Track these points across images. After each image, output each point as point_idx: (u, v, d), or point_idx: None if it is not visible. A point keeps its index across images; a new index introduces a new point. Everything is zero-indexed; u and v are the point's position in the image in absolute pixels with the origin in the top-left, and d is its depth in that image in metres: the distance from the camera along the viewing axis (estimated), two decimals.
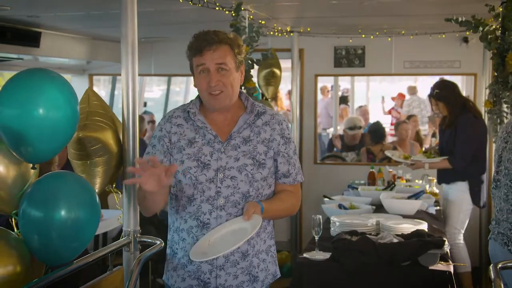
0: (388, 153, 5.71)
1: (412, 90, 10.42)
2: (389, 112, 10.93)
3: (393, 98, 10.94)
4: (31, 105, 2.24)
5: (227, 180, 2.35)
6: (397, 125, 7.12)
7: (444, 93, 5.05)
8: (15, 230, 2.42)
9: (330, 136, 9.32)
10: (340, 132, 8.76)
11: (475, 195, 4.98)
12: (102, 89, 9.44)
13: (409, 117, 8.07)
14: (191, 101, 2.49)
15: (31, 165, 2.41)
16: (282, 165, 2.45)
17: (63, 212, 2.35)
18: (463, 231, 5.05)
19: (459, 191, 4.98)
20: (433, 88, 5.18)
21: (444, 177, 5.10)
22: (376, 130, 7.04)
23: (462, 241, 5.01)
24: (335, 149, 7.59)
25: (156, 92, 10.23)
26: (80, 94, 7.91)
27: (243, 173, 2.36)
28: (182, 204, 2.40)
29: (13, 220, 2.43)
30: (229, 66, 2.36)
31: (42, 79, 2.31)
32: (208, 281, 2.39)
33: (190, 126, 2.41)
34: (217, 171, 2.35)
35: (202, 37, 2.36)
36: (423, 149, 6.23)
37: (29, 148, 2.28)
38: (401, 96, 10.66)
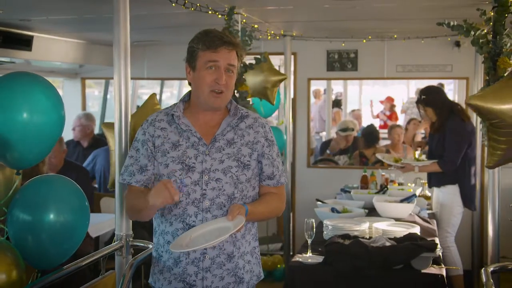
0: (379, 155, 5.73)
1: None
2: (377, 116, 10.96)
3: (381, 102, 10.96)
4: (15, 110, 2.21)
5: (212, 182, 2.36)
6: (390, 128, 7.15)
7: (430, 98, 5.09)
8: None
9: (324, 139, 9.33)
10: (333, 135, 8.78)
11: (466, 198, 5.00)
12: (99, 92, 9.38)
13: (410, 120, 8.08)
14: (174, 104, 2.50)
15: (15, 171, 2.39)
16: (266, 167, 2.48)
17: (52, 215, 2.34)
18: (454, 234, 5.06)
19: (450, 194, 5.01)
20: (420, 94, 5.23)
21: (435, 180, 5.12)
22: (370, 133, 7.07)
23: (453, 245, 5.03)
24: (328, 151, 7.59)
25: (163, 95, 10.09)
26: (73, 98, 7.84)
27: (228, 175, 2.38)
28: (167, 207, 2.40)
29: None
30: (235, 70, 2.42)
31: (27, 83, 2.28)
32: (194, 283, 2.39)
33: (174, 129, 2.43)
34: (202, 174, 2.36)
35: (217, 34, 2.38)
36: (416, 153, 6.26)
37: (13, 153, 2.25)
38: (389, 99, 10.69)
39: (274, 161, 2.49)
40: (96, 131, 6.72)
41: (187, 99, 2.50)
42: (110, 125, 3.26)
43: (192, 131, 2.40)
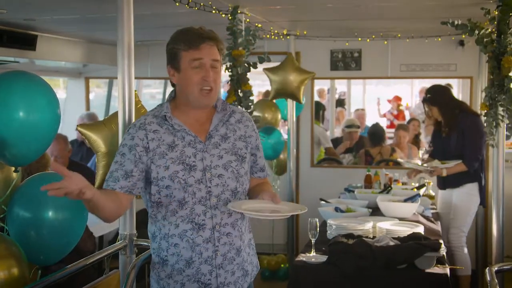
0: (401, 160, 5.72)
1: None
2: (384, 116, 10.93)
3: (389, 101, 10.94)
4: (12, 108, 2.23)
5: (215, 179, 2.37)
6: (396, 129, 7.20)
7: (436, 97, 5.07)
8: None
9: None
10: (337, 134, 8.78)
11: (483, 195, 4.96)
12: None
13: (410, 120, 8.09)
14: (161, 105, 2.47)
15: (13, 168, 2.40)
16: (260, 159, 2.55)
17: (51, 212, 2.35)
18: (466, 234, 5.03)
19: (468, 194, 4.95)
20: (425, 93, 5.21)
21: (454, 181, 5.01)
22: (375, 132, 7.06)
23: (465, 244, 4.99)
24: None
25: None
26: (77, 97, 7.80)
27: (229, 170, 2.39)
28: (171, 209, 2.37)
29: None
30: (219, 66, 2.42)
31: (23, 82, 2.30)
32: (209, 282, 2.38)
33: (166, 130, 2.39)
34: (204, 171, 2.36)
35: (196, 32, 2.38)
36: (420, 154, 6.25)
37: (11, 151, 2.26)
38: (397, 99, 10.67)
39: (263, 153, 2.58)
40: None
41: (172, 98, 2.48)
42: (92, 126, 3.18)
43: (186, 130, 2.39)
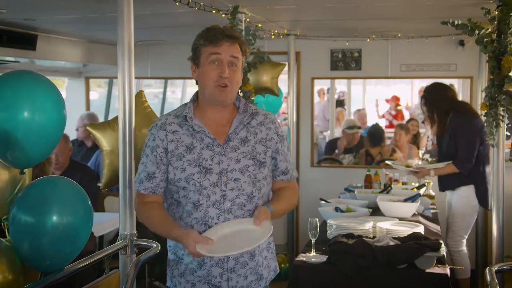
0: (389, 162, 5.68)
1: None
2: (383, 116, 10.93)
3: (387, 101, 10.95)
4: (17, 109, 2.21)
5: (230, 182, 2.35)
6: (396, 128, 7.21)
7: (428, 96, 5.01)
8: (7, 236, 2.39)
9: (327, 139, 9.33)
10: (337, 134, 8.78)
11: (483, 198, 4.84)
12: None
13: (408, 120, 8.10)
14: (184, 105, 2.48)
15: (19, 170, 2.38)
16: (281, 162, 2.49)
17: (54, 218, 2.31)
18: (466, 237, 4.99)
19: (463, 197, 4.87)
20: (424, 91, 5.18)
21: (449, 183, 4.96)
22: (375, 132, 7.07)
23: (465, 248, 4.93)
24: (336, 150, 7.58)
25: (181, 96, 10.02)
26: (76, 97, 7.81)
27: (246, 174, 2.37)
28: (187, 210, 2.38)
29: (4, 225, 2.41)
30: (239, 64, 2.39)
31: (29, 82, 2.28)
32: (219, 285, 2.38)
33: (186, 131, 2.39)
34: (220, 175, 2.35)
35: (219, 29, 2.39)
36: (420, 154, 6.24)
37: (16, 153, 2.24)
38: (395, 99, 10.68)
39: (287, 156, 2.52)
40: None
41: (195, 99, 2.47)
42: (98, 126, 3.39)
43: (205, 132, 2.38)
